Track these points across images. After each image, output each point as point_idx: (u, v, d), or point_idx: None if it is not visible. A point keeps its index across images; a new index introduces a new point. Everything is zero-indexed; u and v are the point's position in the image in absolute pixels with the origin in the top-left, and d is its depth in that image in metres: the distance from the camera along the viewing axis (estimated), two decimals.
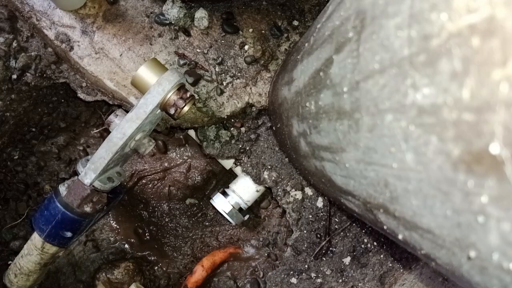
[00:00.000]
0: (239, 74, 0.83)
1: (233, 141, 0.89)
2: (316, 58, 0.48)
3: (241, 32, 0.83)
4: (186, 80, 0.79)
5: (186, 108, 0.68)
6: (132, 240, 1.06)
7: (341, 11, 0.41)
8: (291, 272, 0.89)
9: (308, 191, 0.91)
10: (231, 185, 0.95)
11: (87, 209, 0.68)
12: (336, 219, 0.90)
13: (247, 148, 0.90)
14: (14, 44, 0.82)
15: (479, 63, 0.22)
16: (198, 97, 0.81)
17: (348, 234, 0.90)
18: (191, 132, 0.98)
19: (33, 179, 1.03)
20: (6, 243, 0.98)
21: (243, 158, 0.91)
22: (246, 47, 0.83)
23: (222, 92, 0.82)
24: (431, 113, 0.26)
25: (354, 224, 0.90)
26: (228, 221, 0.93)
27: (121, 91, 0.80)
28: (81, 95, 0.88)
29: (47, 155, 1.05)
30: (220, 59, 0.81)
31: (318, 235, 0.89)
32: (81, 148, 1.07)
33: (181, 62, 0.80)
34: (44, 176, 1.05)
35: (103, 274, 0.99)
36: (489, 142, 0.22)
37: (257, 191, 0.94)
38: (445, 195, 0.27)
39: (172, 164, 1.07)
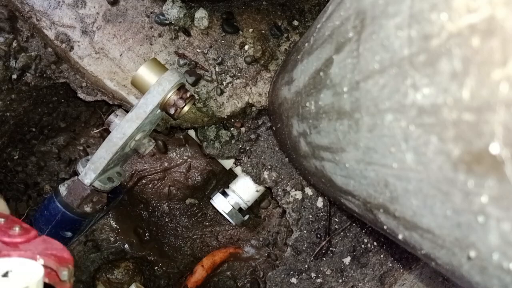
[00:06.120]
0: (239, 74, 0.83)
1: (233, 141, 0.89)
2: (316, 58, 0.48)
3: (241, 32, 0.83)
4: (186, 80, 0.79)
5: (186, 108, 0.68)
6: (132, 240, 1.07)
7: (341, 11, 0.41)
8: (291, 272, 0.89)
9: (308, 191, 0.91)
10: (231, 185, 0.95)
11: (87, 209, 0.68)
12: (336, 219, 0.90)
13: (247, 148, 0.90)
14: (14, 44, 0.82)
15: (479, 63, 0.22)
16: (198, 97, 0.81)
17: (348, 234, 0.90)
18: (191, 132, 0.98)
19: (33, 179, 1.03)
20: None
21: (243, 158, 0.91)
22: (246, 47, 0.83)
23: (222, 92, 0.82)
24: (431, 113, 0.26)
25: (354, 224, 0.90)
26: (228, 221, 0.93)
27: (121, 91, 0.80)
28: (81, 95, 0.88)
29: (47, 155, 1.05)
30: (220, 59, 0.81)
31: (318, 235, 0.89)
32: (81, 148, 1.07)
33: (181, 62, 0.79)
34: (44, 176, 1.05)
35: (103, 274, 0.99)
36: (489, 142, 0.22)
37: (257, 191, 0.94)
38: (445, 195, 0.27)
39: (172, 164, 1.07)
